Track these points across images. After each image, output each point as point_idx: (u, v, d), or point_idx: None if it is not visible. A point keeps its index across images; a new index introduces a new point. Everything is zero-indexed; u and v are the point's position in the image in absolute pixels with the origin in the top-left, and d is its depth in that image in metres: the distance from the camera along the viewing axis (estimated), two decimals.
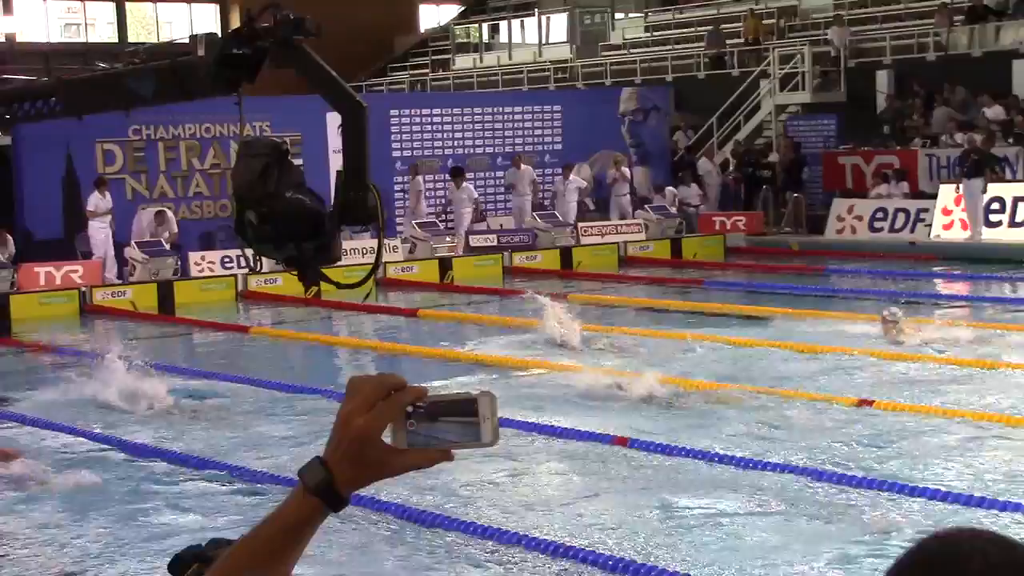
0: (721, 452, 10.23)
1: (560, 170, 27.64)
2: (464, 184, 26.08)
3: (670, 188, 28.17)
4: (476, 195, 26.44)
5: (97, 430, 12.10)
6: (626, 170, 27.88)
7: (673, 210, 27.42)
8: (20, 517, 9.38)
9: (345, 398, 1.81)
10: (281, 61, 5.49)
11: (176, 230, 23.52)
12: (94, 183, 23.09)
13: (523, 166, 26.92)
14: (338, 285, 5.53)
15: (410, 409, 1.79)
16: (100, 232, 22.73)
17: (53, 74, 24.27)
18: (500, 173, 27.76)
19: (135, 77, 6.04)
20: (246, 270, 21.69)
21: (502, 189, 27.59)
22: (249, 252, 5.41)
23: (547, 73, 36.01)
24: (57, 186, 23.57)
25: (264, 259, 5.47)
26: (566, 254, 25.45)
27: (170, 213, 23.68)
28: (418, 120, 27.65)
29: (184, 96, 6.05)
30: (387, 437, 1.79)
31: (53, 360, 16.68)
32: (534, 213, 26.60)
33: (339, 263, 5.64)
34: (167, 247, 22.83)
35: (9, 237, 22.23)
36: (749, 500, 9.05)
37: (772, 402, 12.16)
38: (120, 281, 22.24)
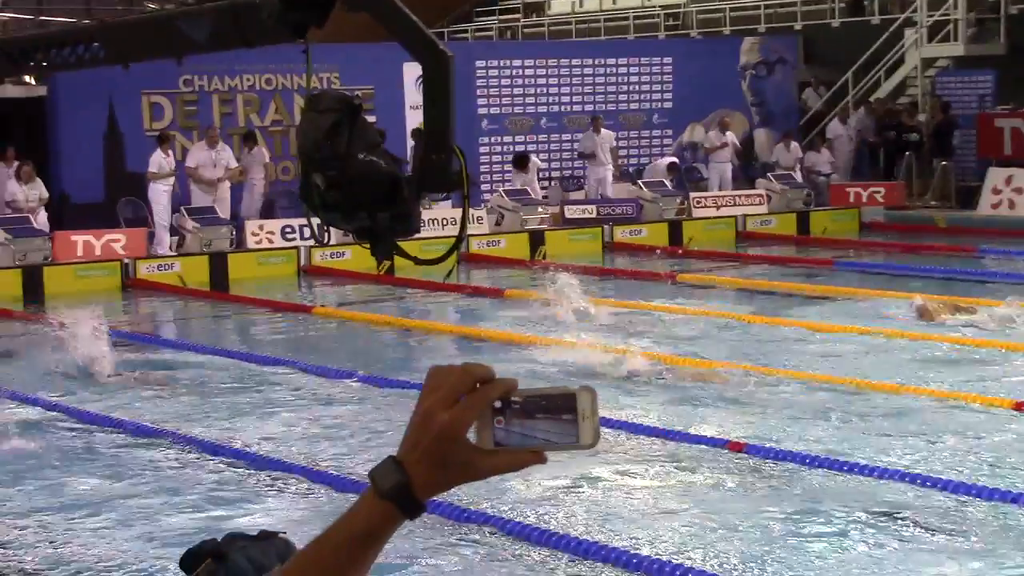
0: (892, 467, 10.08)
1: (670, 131, 27.51)
2: (532, 160, 26.01)
3: (793, 147, 27.77)
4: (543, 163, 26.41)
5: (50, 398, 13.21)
6: (731, 134, 27.56)
7: (799, 178, 27.20)
8: None
9: (424, 390, 1.81)
10: (354, 3, 5.47)
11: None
12: (157, 139, 23.33)
13: (603, 130, 26.69)
14: (416, 260, 5.51)
15: (498, 404, 1.78)
16: (163, 196, 22.88)
17: (94, 16, 24.65)
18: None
19: (188, 20, 6.05)
20: (311, 242, 21.89)
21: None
22: (315, 221, 5.41)
23: (657, 20, 35.81)
24: (98, 143, 23.90)
25: (332, 230, 5.48)
26: (675, 228, 25.35)
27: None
28: (507, 73, 27.67)
29: (243, 42, 6.04)
30: (471, 435, 1.78)
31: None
32: (640, 181, 26.49)
33: (416, 236, 5.61)
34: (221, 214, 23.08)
35: (39, 180, 22.47)
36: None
37: (941, 410, 12.02)
38: (170, 253, 22.50)
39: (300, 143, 5.22)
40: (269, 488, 10.18)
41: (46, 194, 22.53)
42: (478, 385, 1.79)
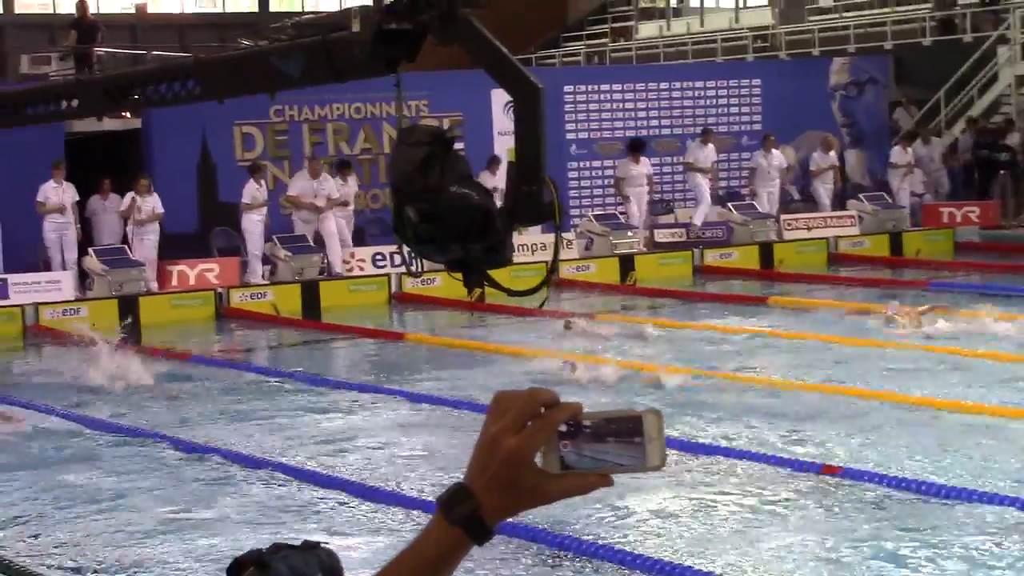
0: (995, 491, 9.95)
1: (756, 148, 27.28)
2: (642, 158, 25.70)
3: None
4: (651, 171, 26.01)
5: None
6: (833, 153, 27.36)
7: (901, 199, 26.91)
8: None
9: (490, 415, 1.83)
10: (445, 37, 5.53)
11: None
12: (249, 169, 23.48)
13: (709, 144, 26.49)
14: (509, 292, 5.56)
15: (564, 428, 1.80)
16: (256, 226, 23.01)
17: (188, 49, 24.98)
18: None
19: (281, 55, 6.15)
20: (401, 269, 21.98)
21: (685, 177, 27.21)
22: (408, 253, 5.46)
23: (745, 42, 35.69)
24: (191, 174, 24.16)
25: (425, 261, 5.52)
26: (766, 251, 25.21)
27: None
28: (595, 97, 27.67)
29: (335, 77, 6.14)
30: (537, 459, 1.80)
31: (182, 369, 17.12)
32: (729, 204, 26.38)
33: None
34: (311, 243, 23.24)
35: (156, 196, 22.57)
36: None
37: None
38: (263, 281, 22.70)
39: (392, 176, 5.28)
40: (364, 516, 10.24)
41: (161, 209, 22.59)
42: (543, 409, 1.81)
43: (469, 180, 5.33)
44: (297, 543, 2.01)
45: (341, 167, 24.16)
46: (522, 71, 5.52)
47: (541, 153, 5.43)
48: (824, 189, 27.12)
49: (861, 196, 27.11)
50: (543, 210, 5.36)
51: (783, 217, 26.25)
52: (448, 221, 5.17)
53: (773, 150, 26.47)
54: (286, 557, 2.04)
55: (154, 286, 22.17)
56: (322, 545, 2.02)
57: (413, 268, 5.51)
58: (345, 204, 23.77)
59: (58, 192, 22.23)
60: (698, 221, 25.81)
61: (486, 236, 5.22)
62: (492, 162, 23.77)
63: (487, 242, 5.23)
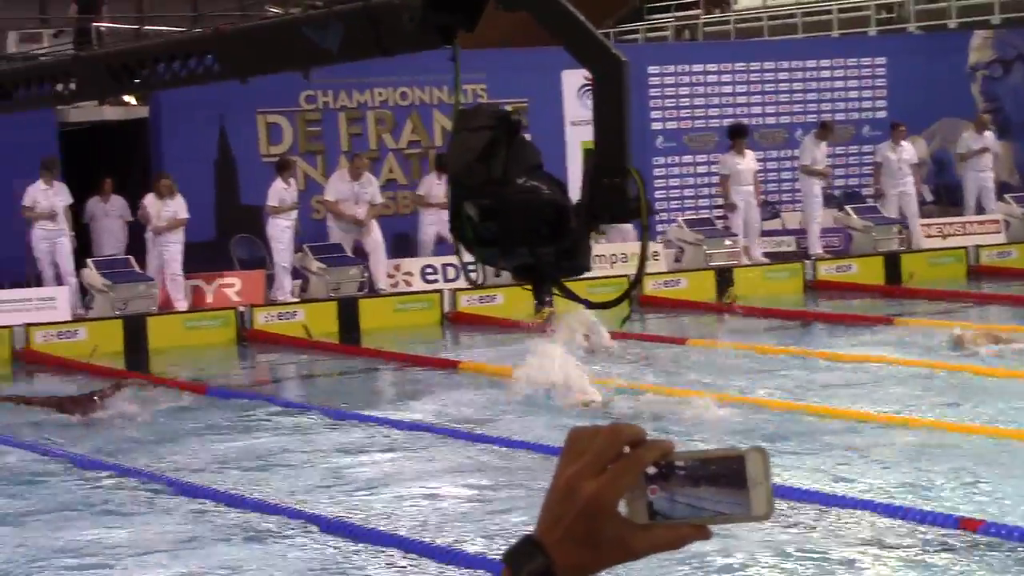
0: None
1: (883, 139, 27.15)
2: (747, 151, 25.56)
3: None
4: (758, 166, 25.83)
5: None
6: (989, 134, 27.09)
7: None
8: None
9: (564, 457, 1.83)
10: (510, 1, 5.53)
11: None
12: (276, 167, 23.58)
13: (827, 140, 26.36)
14: (587, 304, 5.55)
15: (652, 471, 1.80)
16: (284, 233, 23.12)
17: (205, 20, 25.16)
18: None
19: (316, 26, 6.18)
20: (456, 284, 22.06)
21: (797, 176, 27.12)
22: (467, 259, 5.47)
23: (867, 13, 35.53)
24: (207, 172, 24.30)
25: (487, 269, 5.52)
26: (892, 263, 25.08)
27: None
28: (685, 80, 27.69)
29: (379, 50, 6.16)
30: (621, 508, 1.80)
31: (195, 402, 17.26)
32: (847, 207, 26.28)
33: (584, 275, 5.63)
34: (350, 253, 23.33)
35: (180, 197, 22.74)
36: None
37: None
38: (293, 299, 22.80)
39: (450, 167, 5.29)
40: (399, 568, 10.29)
41: (185, 214, 22.78)
42: (627, 448, 1.80)
43: (539, 171, 5.33)
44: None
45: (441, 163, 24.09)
46: (602, 42, 5.53)
47: (625, 139, 5.41)
48: (977, 179, 26.75)
49: (1008, 197, 26.91)
50: (627, 206, 5.34)
51: (914, 223, 26.11)
52: (514, 219, 5.16)
53: (903, 142, 26.30)
54: None
55: (182, 306, 22.26)
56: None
57: (473, 277, 5.51)
58: (386, 209, 23.87)
59: (48, 195, 22.40)
60: (814, 247, 25.41)
61: (559, 237, 5.21)
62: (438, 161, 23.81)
63: (560, 244, 5.22)
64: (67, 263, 22.44)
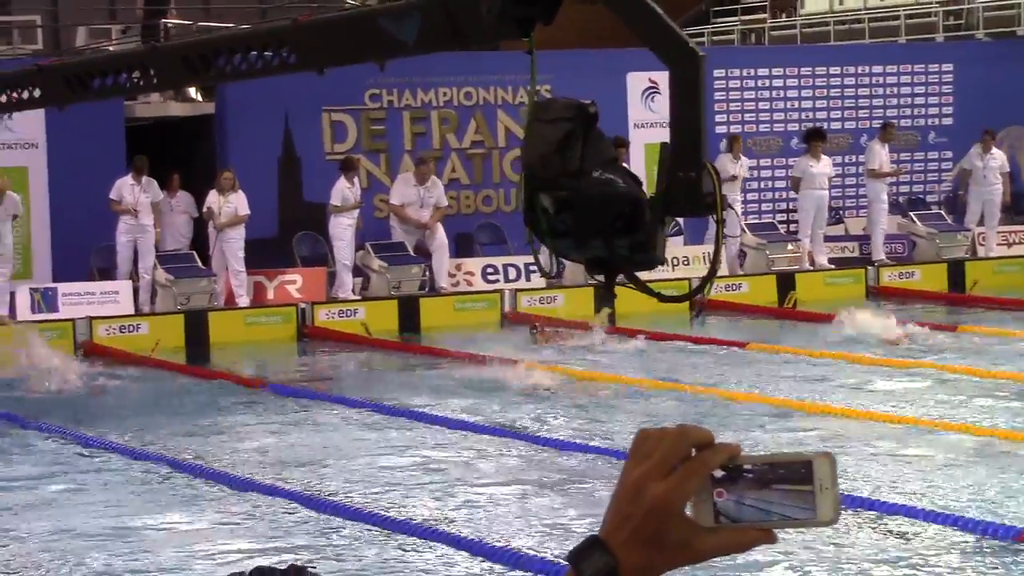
0: None
1: (950, 153, 27.01)
2: (823, 156, 25.44)
3: None
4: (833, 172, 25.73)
5: None
6: None
7: None
8: None
9: (632, 458, 1.84)
10: None
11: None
12: (340, 166, 23.65)
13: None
14: (661, 297, 5.55)
15: (719, 474, 1.81)
16: (346, 232, 23.24)
17: (275, 14, 25.25)
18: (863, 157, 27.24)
19: (393, 17, 6.19)
20: (517, 284, 22.09)
21: (863, 180, 26.96)
22: (541, 252, 5.48)
23: (934, 18, 35.37)
24: (272, 169, 24.38)
25: (561, 261, 5.53)
26: (956, 269, 24.96)
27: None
28: (751, 84, 27.62)
29: (455, 42, 6.17)
30: (688, 510, 1.81)
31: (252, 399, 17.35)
32: (911, 213, 26.18)
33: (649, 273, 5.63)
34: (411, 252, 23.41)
35: (242, 194, 22.87)
36: None
37: None
38: (353, 296, 22.89)
39: (525, 158, 5.30)
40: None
41: (246, 210, 22.91)
42: (695, 451, 1.81)
43: (615, 164, 5.35)
44: (283, 567, 2.05)
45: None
46: (680, 35, 5.53)
47: (701, 133, 5.43)
48: None
49: None
50: (702, 201, 5.34)
51: (976, 230, 25.98)
52: (590, 212, 5.17)
53: (994, 148, 26.19)
54: None
55: (243, 302, 22.37)
56: (308, 569, 2.05)
57: (546, 267, 5.52)
58: (449, 210, 23.93)
59: (134, 191, 22.52)
60: (878, 253, 25.33)
61: (634, 230, 5.21)
62: (344, 164, 23.73)
63: (635, 237, 5.22)
64: (146, 258, 22.54)
